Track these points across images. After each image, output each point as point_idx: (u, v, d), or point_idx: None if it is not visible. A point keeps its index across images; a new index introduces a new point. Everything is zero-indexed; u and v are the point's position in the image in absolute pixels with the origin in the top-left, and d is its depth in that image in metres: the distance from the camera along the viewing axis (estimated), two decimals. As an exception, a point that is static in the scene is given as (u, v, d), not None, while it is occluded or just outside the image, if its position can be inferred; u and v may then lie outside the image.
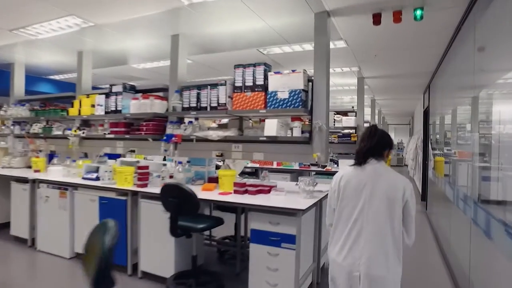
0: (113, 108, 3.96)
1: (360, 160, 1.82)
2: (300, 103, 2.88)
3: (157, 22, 3.52)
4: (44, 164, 4.38)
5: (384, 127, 15.99)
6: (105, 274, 1.27)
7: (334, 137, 6.35)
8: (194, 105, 3.45)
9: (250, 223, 2.69)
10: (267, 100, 3.02)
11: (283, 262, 2.52)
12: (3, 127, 5.26)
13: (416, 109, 10.77)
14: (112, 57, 5.06)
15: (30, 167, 4.53)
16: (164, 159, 4.48)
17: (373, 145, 1.81)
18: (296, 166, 5.78)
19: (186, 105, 3.51)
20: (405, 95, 8.58)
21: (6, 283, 3.11)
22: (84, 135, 4.32)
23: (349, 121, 6.23)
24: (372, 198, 1.73)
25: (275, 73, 3.04)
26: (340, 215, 1.81)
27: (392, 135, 18.54)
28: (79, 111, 4.32)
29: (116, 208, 3.30)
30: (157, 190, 2.92)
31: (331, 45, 4.04)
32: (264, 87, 3.06)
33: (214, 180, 3.49)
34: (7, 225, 4.27)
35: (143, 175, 3.32)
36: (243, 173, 5.40)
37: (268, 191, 3.06)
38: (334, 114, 6.30)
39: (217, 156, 3.47)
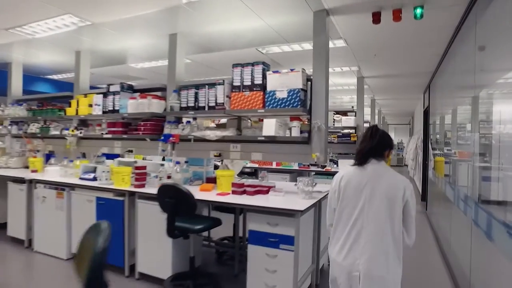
0: (111, 108, 3.93)
1: (361, 160, 1.83)
2: (299, 103, 2.85)
3: (154, 21, 3.49)
4: (42, 164, 4.35)
5: (384, 127, 15.96)
6: (98, 276, 1.23)
7: (334, 137, 6.32)
8: (192, 104, 3.42)
9: (248, 224, 2.66)
10: (266, 99, 2.99)
11: (282, 264, 2.49)
12: (0, 127, 5.22)
13: (416, 109, 10.75)
14: (110, 57, 5.03)
15: (27, 167, 4.50)
16: (163, 159, 4.45)
17: (374, 145, 1.81)
18: (295, 166, 5.75)
19: (184, 105, 3.48)
20: (405, 95, 8.55)
21: (2, 285, 3.08)
22: (81, 135, 4.29)
23: (348, 121, 6.20)
24: (373, 198, 1.73)
25: (273, 72, 3.00)
26: (341, 215, 1.82)
27: (392, 135, 18.54)
28: (77, 110, 4.29)
29: (114, 209, 3.27)
30: (154, 190, 2.88)
31: (331, 44, 4.02)
32: (263, 87, 3.03)
33: (212, 180, 3.46)
34: (4, 226, 4.23)
35: (140, 175, 3.29)
36: (242, 173, 5.37)
37: (267, 192, 3.03)
38: (334, 114, 6.27)
39: (215, 156, 3.44)
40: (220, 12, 3.29)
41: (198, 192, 3.04)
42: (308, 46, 4.27)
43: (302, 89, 2.89)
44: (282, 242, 2.49)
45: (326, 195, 3.07)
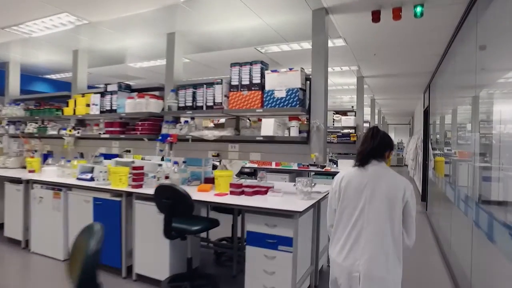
0: (108, 108, 3.90)
1: (362, 161, 1.83)
2: (298, 102, 2.82)
3: (152, 19, 3.47)
4: (39, 164, 4.32)
5: (384, 127, 15.95)
6: (90, 279, 1.21)
7: (333, 137, 6.30)
8: (190, 104, 3.39)
9: (247, 224, 2.63)
10: (264, 99, 2.96)
11: (280, 265, 2.46)
12: (-2, 127, 5.20)
13: (416, 109, 10.72)
14: (108, 56, 4.99)
15: (25, 167, 4.47)
16: (162, 159, 4.41)
17: (375, 146, 1.81)
18: (295, 167, 5.72)
19: (182, 105, 3.45)
20: (405, 94, 8.52)
21: (-1, 286, 3.06)
22: (79, 135, 4.26)
23: (348, 120, 6.18)
24: (373, 198, 1.74)
25: (272, 71, 2.97)
26: (341, 215, 1.82)
27: (392, 135, 18.51)
28: (74, 110, 4.26)
29: (111, 209, 3.24)
30: (152, 191, 2.85)
31: (330, 44, 3.99)
32: (261, 86, 3.00)
33: (210, 180, 3.42)
34: (0, 227, 4.21)
35: (137, 175, 3.26)
36: (241, 173, 5.35)
37: (265, 192, 3.00)
38: (333, 113, 6.25)
39: (213, 156, 3.41)
40: (218, 10, 3.26)
41: (196, 193, 3.01)
42: (307, 45, 4.24)
43: (301, 89, 2.86)
44: (280, 244, 2.46)
45: (325, 195, 3.05)
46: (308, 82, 3.01)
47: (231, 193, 2.97)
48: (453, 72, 3.97)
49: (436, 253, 4.23)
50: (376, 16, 3.06)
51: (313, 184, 2.88)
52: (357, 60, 5.10)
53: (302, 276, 2.63)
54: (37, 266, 3.53)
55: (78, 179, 3.66)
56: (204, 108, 3.29)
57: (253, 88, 3.02)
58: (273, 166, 5.89)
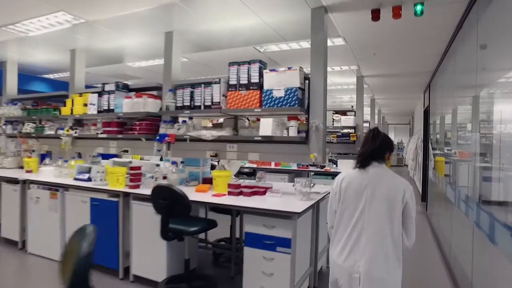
0: (106, 107, 3.87)
1: (363, 163, 1.83)
2: (296, 102, 2.78)
3: (149, 18, 3.44)
4: (36, 164, 4.29)
5: (384, 127, 15.92)
6: (82, 281, 1.19)
7: (333, 137, 6.27)
8: (188, 104, 3.36)
9: (245, 225, 2.60)
10: (262, 98, 2.93)
11: (278, 267, 2.43)
12: (-5, 127, 5.17)
13: (416, 109, 10.69)
14: (106, 55, 4.96)
15: (22, 167, 4.43)
16: (161, 160, 4.38)
17: (376, 148, 1.82)
18: (294, 167, 5.69)
19: (179, 104, 3.42)
20: (405, 94, 8.49)
21: (-5, 287, 3.03)
22: (76, 134, 4.22)
23: (348, 120, 6.15)
24: (373, 200, 1.75)
25: (270, 70, 2.94)
26: (341, 216, 1.83)
27: (392, 135, 18.49)
28: (72, 110, 4.23)
29: (108, 210, 3.20)
30: (149, 191, 2.82)
31: (330, 43, 3.96)
32: (259, 85, 2.97)
33: (208, 181, 3.39)
34: (-3, 227, 4.18)
35: (135, 176, 3.23)
36: (240, 174, 5.32)
37: (264, 193, 2.97)
38: (333, 113, 6.21)
39: (211, 156, 3.38)
40: (216, 9, 3.23)
41: (194, 193, 2.98)
42: (306, 44, 4.21)
43: (299, 88, 2.83)
44: (278, 245, 2.43)
45: (324, 196, 3.02)
46: (307, 81, 2.98)
47: (229, 193, 2.94)
48: (453, 72, 3.94)
49: (436, 253, 4.20)
50: (375, 15, 3.03)
51: (312, 185, 2.85)
52: (357, 60, 5.07)
53: (301, 277, 2.60)
54: (34, 267, 3.50)
55: (75, 179, 3.63)
56: (202, 107, 3.26)
57: (251, 88, 2.99)
58: (273, 166, 5.86)
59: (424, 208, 6.76)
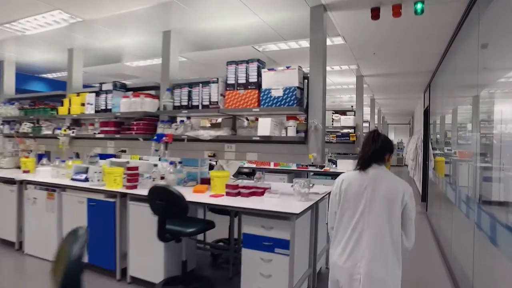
0: (103, 107, 3.83)
1: (364, 165, 1.84)
2: (295, 101, 2.75)
3: (147, 17, 3.40)
4: (34, 164, 4.26)
5: (384, 127, 15.89)
6: (73, 284, 1.16)
7: (333, 136, 6.23)
8: (186, 103, 3.33)
9: (243, 227, 2.57)
10: (261, 98, 2.90)
11: (277, 268, 2.40)
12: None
13: (416, 109, 10.66)
14: (104, 55, 4.93)
15: (20, 167, 4.40)
16: (160, 160, 4.35)
17: (376, 149, 1.83)
18: (293, 167, 5.66)
19: (177, 104, 3.39)
20: (405, 94, 8.46)
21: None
22: (74, 134, 4.19)
23: (347, 120, 6.11)
24: (373, 201, 1.75)
25: (268, 70, 2.91)
26: (342, 218, 1.84)
27: (392, 135, 18.46)
28: (69, 110, 4.19)
29: (105, 211, 3.17)
30: (146, 192, 2.79)
31: (329, 42, 3.92)
32: (258, 85, 2.94)
33: (206, 181, 3.36)
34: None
35: (132, 176, 3.19)
36: (239, 174, 5.29)
37: (262, 193, 2.93)
38: (333, 113, 6.18)
39: (209, 156, 3.35)
40: (214, 8, 3.20)
41: (192, 194, 2.95)
42: (305, 43, 4.18)
43: (298, 87, 2.80)
44: (277, 246, 2.40)
45: (323, 196, 2.99)
46: (306, 81, 2.95)
47: (227, 194, 2.91)
48: (454, 71, 3.91)
49: (437, 254, 4.18)
50: (375, 13, 2.99)
51: (311, 185, 2.82)
52: (357, 59, 5.03)
53: (300, 279, 2.56)
54: (31, 268, 3.47)
55: (73, 179, 3.61)
56: (200, 107, 3.23)
57: (249, 87, 2.96)
58: (272, 166, 5.83)
59: (424, 208, 6.74)
